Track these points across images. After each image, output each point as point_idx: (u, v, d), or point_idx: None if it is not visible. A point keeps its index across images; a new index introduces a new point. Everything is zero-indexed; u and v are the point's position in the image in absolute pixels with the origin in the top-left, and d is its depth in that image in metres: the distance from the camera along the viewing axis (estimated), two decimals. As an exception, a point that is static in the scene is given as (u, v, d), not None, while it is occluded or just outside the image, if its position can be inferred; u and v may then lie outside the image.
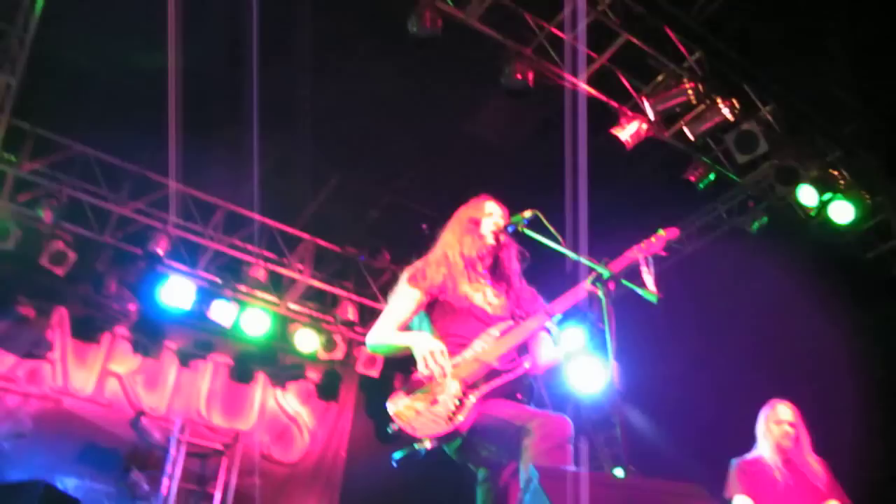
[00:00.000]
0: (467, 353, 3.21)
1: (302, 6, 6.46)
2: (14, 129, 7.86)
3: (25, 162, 8.18)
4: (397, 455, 3.03)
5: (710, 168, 7.52)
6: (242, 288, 9.00)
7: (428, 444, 2.96)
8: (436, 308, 3.41)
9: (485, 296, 3.43)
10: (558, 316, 3.26)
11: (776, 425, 4.56)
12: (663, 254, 3.23)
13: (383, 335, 3.35)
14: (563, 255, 3.23)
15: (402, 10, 6.11)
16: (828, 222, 7.88)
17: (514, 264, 3.56)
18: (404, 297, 3.40)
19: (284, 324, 9.44)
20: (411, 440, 2.99)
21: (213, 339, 9.47)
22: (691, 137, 7.12)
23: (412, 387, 3.16)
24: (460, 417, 2.99)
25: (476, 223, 3.55)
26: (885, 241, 8.24)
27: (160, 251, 8.36)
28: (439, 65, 6.77)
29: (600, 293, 3.00)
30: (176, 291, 8.66)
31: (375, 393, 10.23)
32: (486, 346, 3.22)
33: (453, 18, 6.08)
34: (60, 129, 8.23)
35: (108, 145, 8.35)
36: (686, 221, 8.74)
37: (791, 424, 4.56)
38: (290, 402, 9.92)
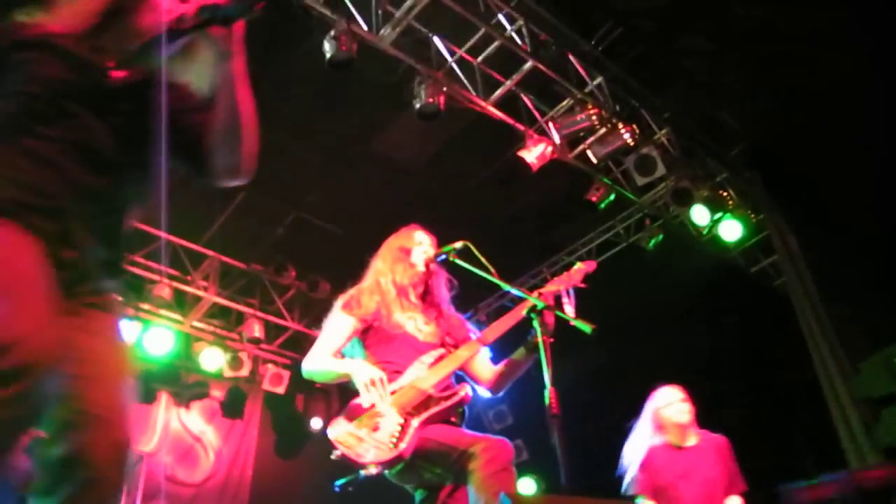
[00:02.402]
0: (403, 381, 3.29)
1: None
2: None
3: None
4: (340, 481, 3.09)
5: (611, 189, 7.85)
6: (145, 306, 8.79)
7: (373, 470, 3.03)
8: (369, 335, 3.48)
9: (416, 323, 3.52)
10: (489, 343, 3.39)
11: (668, 407, 4.75)
12: (583, 286, 3.41)
13: (320, 362, 3.40)
14: (493, 285, 3.35)
15: (315, 31, 6.17)
16: (717, 239, 8.39)
17: (443, 292, 3.67)
18: (339, 324, 3.46)
19: (188, 342, 9.26)
20: (352, 466, 3.06)
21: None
22: (594, 160, 7.44)
23: (352, 413, 3.22)
24: (403, 444, 3.07)
25: (407, 252, 3.66)
26: (768, 255, 8.84)
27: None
28: (350, 85, 6.84)
29: (535, 324, 3.14)
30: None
31: (281, 410, 10.15)
32: (420, 374, 3.31)
33: (367, 42, 6.16)
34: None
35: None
36: (587, 239, 9.11)
37: (682, 400, 4.76)
38: (194, 421, 9.73)
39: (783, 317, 7.95)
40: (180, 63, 2.02)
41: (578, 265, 3.54)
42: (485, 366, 3.53)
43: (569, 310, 3.28)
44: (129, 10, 2.00)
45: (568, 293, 3.35)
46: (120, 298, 1.98)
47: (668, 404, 4.79)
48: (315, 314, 9.31)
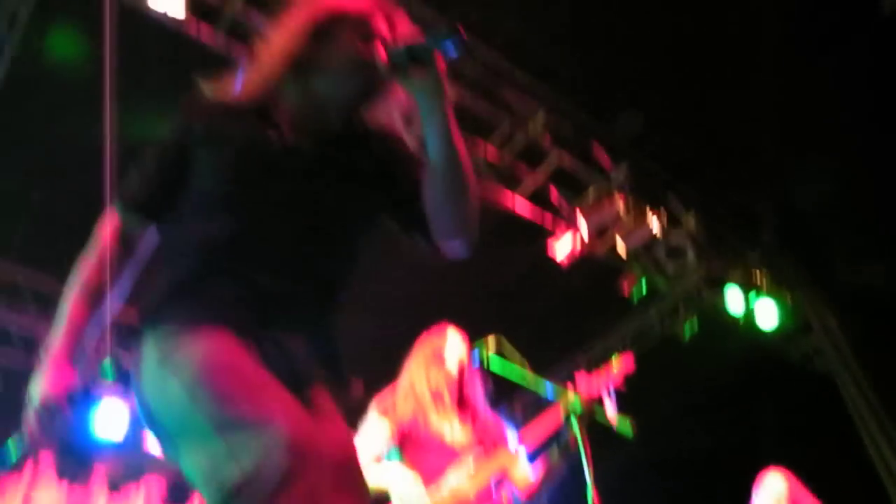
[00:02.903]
0: (443, 489, 3.22)
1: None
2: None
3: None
4: None
5: (642, 279, 7.80)
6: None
7: None
8: (406, 442, 3.42)
9: (453, 428, 3.47)
10: (528, 446, 3.32)
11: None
12: (621, 385, 3.35)
13: None
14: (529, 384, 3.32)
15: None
16: (755, 324, 8.25)
17: (478, 392, 3.62)
18: (376, 430, 3.42)
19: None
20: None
21: (145, 461, 9.12)
22: (623, 250, 7.41)
23: None
24: None
25: (439, 354, 3.63)
26: (808, 339, 8.65)
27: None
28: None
29: (574, 425, 3.08)
30: (108, 417, 8.37)
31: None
32: (460, 482, 3.24)
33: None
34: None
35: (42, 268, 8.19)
36: (620, 331, 9.00)
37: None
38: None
39: (830, 399, 7.74)
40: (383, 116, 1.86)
41: (616, 364, 3.49)
42: (523, 470, 3.45)
43: (608, 409, 3.22)
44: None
45: (608, 392, 3.29)
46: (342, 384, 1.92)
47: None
48: (351, 412, 9.20)
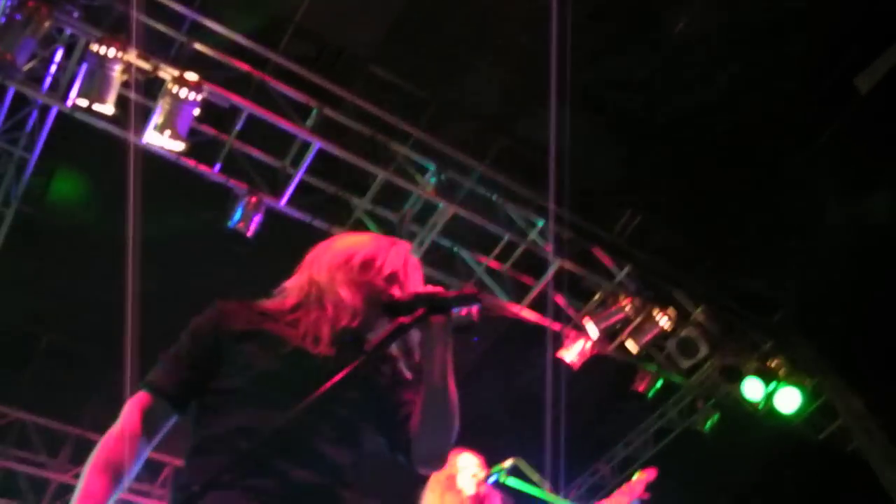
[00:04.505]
0: None
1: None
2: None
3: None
4: None
5: (657, 376, 7.73)
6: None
7: None
8: None
9: (477, 552, 3.40)
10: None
11: None
12: (646, 496, 3.29)
13: None
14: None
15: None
16: (775, 412, 8.11)
17: (499, 515, 3.57)
18: None
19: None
20: None
21: None
22: (634, 349, 7.37)
23: None
24: None
25: (452, 479, 3.58)
26: (832, 420, 8.47)
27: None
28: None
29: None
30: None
31: None
32: None
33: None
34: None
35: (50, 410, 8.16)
36: (640, 428, 8.86)
37: None
38: None
39: (863, 479, 7.53)
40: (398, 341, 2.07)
41: (639, 475, 3.43)
42: None
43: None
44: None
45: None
46: None
47: None
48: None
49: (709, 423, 8.50)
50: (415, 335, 2.05)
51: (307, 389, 1.77)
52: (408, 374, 2.11)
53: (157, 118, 5.86)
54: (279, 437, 1.79)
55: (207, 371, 2.01)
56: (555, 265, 6.91)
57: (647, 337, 7.30)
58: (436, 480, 3.64)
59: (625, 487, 3.42)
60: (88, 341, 7.58)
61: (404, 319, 1.92)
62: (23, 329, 7.54)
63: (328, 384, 1.74)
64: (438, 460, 2.08)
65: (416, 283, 2.16)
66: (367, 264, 2.13)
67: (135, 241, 4.78)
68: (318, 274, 2.12)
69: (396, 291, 2.09)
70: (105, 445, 1.93)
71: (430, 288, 2.00)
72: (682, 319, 7.57)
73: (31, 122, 6.49)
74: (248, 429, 1.86)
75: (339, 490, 1.94)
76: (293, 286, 2.15)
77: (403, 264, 2.16)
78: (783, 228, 7.58)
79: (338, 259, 2.14)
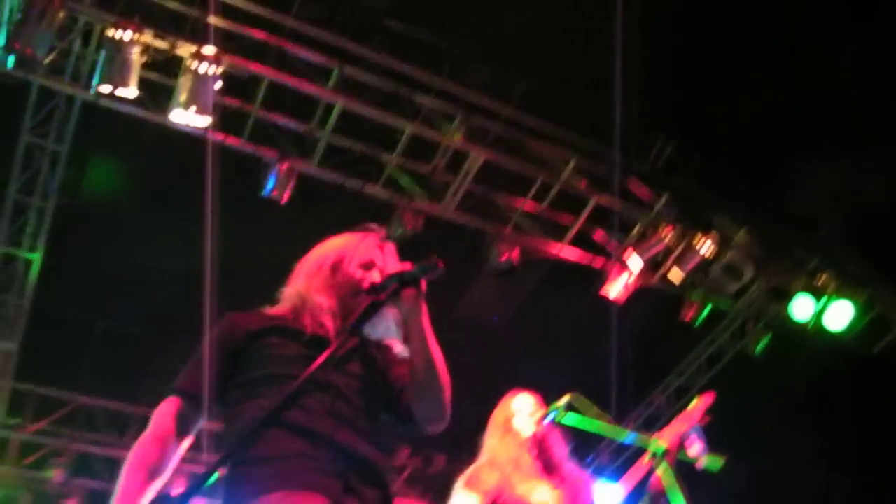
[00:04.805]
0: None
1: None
2: (16, 392, 7.91)
3: (28, 423, 8.14)
4: None
5: (704, 303, 7.68)
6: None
7: None
8: None
9: (540, 492, 3.43)
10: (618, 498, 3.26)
11: None
12: (705, 421, 3.28)
13: None
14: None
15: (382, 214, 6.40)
16: (826, 329, 8.02)
17: (560, 452, 3.58)
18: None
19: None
20: None
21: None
22: (679, 279, 7.32)
23: None
24: None
25: (509, 422, 3.61)
26: (885, 333, 8.36)
27: (174, 491, 8.18)
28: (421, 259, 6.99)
29: (661, 469, 3.03)
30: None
31: None
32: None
33: (431, 214, 6.35)
34: (62, 384, 8.26)
35: (112, 392, 8.37)
36: (691, 357, 8.84)
37: None
38: None
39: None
40: (380, 324, 2.30)
41: (696, 401, 3.41)
42: None
43: (695, 449, 3.15)
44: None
45: (695, 432, 3.23)
46: None
47: None
48: (436, 489, 9.17)
49: (760, 346, 8.44)
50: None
51: (331, 368, 2.05)
52: (396, 354, 2.33)
53: (180, 96, 5.88)
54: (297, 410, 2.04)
55: (230, 373, 2.22)
56: (591, 201, 6.86)
57: (691, 265, 7.23)
58: (494, 424, 3.67)
59: (683, 415, 3.40)
60: (140, 323, 7.74)
61: (378, 298, 2.12)
62: (77, 317, 7.71)
63: (320, 358, 1.94)
64: (440, 419, 2.24)
65: (392, 265, 2.33)
66: (336, 265, 2.36)
67: (213, 229, 4.88)
68: (299, 285, 2.37)
69: (375, 277, 2.29)
70: (139, 448, 2.12)
71: (399, 266, 2.22)
72: (724, 244, 7.48)
73: (58, 115, 6.56)
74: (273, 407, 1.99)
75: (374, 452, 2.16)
76: (286, 296, 2.38)
77: (376, 251, 2.37)
78: (822, 142, 7.42)
79: (312, 268, 2.39)
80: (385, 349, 2.34)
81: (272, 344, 2.20)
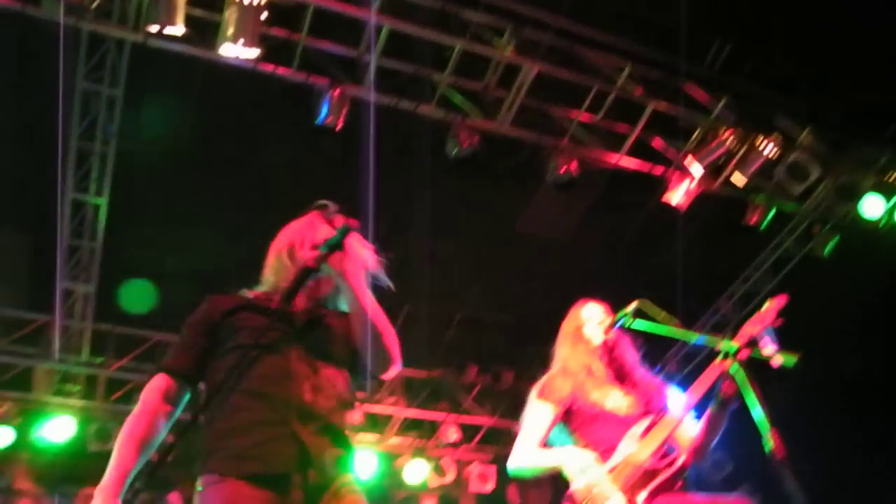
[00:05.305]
0: (617, 458, 3.20)
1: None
2: (96, 333, 8.21)
3: (112, 361, 8.46)
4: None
5: (768, 206, 7.52)
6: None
7: None
8: (571, 419, 3.42)
9: (613, 398, 3.45)
10: (691, 402, 3.26)
11: None
12: (778, 323, 3.23)
13: (527, 458, 3.36)
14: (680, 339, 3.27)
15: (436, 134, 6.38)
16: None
17: (631, 358, 3.59)
18: (538, 414, 3.43)
19: (390, 460, 9.44)
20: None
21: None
22: (741, 182, 7.16)
23: (571, 502, 3.15)
24: None
25: (579, 331, 3.62)
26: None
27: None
28: (480, 176, 6.98)
29: (734, 369, 3.02)
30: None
31: (494, 507, 10.08)
32: (633, 448, 3.22)
33: (487, 130, 6.29)
34: (139, 324, 8.53)
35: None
36: (758, 262, 8.71)
37: None
38: (413, 536, 9.81)
39: None
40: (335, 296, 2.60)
41: (769, 303, 3.36)
42: (687, 429, 3.38)
43: (769, 348, 3.12)
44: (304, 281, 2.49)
45: (767, 333, 3.19)
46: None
47: None
48: (505, 404, 9.32)
49: (828, 248, 8.25)
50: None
51: (293, 336, 2.39)
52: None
53: (227, 29, 5.87)
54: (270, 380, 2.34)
55: (208, 347, 2.47)
56: (648, 108, 6.71)
57: (754, 167, 7.07)
58: (564, 334, 3.68)
59: (756, 317, 3.34)
60: (208, 260, 7.91)
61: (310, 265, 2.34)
62: (146, 257, 7.91)
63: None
64: (389, 364, 2.49)
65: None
66: (292, 251, 2.60)
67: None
68: (270, 271, 2.64)
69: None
70: (130, 423, 2.38)
71: (324, 235, 2.44)
72: (788, 144, 7.27)
73: (110, 59, 6.61)
74: (257, 375, 2.35)
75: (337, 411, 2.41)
76: (263, 282, 2.65)
77: (323, 228, 2.57)
78: (887, 32, 7.10)
79: (273, 261, 2.65)
80: (346, 315, 2.53)
81: (242, 318, 2.44)
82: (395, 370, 2.52)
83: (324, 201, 2.69)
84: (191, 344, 2.50)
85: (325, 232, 2.51)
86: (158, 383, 2.46)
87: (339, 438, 2.38)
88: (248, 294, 2.60)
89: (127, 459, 2.30)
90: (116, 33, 6.18)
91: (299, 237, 2.61)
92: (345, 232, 2.37)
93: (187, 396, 2.47)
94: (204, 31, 6.10)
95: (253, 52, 5.93)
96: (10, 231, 7.66)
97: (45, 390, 8.32)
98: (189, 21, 5.83)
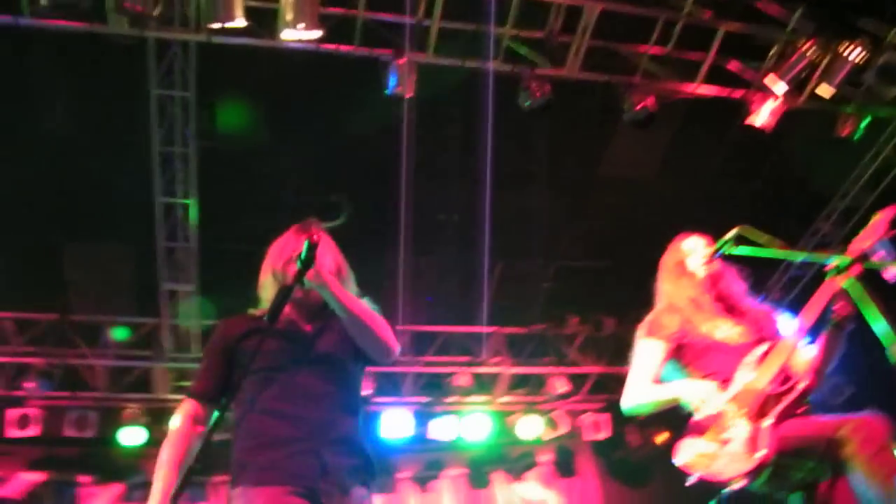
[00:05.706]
0: (735, 387, 3.15)
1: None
2: (204, 330, 8.47)
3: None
4: (711, 504, 3.01)
5: (861, 115, 7.18)
6: (451, 399, 9.18)
7: (738, 485, 2.92)
8: (683, 353, 3.38)
9: (724, 328, 3.38)
10: (808, 327, 3.16)
11: None
12: (891, 234, 3.09)
13: (642, 395, 3.34)
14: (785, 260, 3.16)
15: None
16: None
17: (737, 288, 3.51)
18: (649, 351, 3.39)
19: (502, 418, 9.53)
20: (711, 487, 2.95)
21: (442, 456, 9.64)
22: (828, 93, 6.84)
23: (695, 433, 3.12)
24: (762, 450, 2.92)
25: (682, 265, 3.55)
26: None
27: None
28: (556, 122, 6.90)
29: (849, 283, 2.92)
30: (394, 423, 8.96)
31: (611, 453, 10.08)
32: (750, 376, 3.15)
33: (557, 78, 6.19)
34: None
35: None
36: (855, 175, 8.34)
37: None
38: (533, 490, 9.89)
39: None
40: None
41: (877, 215, 3.21)
42: (802, 354, 3.28)
43: (884, 258, 3.00)
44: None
45: (883, 246, 3.05)
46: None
47: None
48: (611, 351, 9.27)
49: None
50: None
51: (301, 353, 2.72)
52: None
53: (286, 15, 5.92)
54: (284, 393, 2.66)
55: (229, 370, 2.78)
56: (720, 31, 6.47)
57: (840, 76, 6.73)
58: (666, 269, 3.62)
59: (865, 231, 3.19)
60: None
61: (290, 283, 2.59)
62: (241, 250, 8.10)
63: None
64: (385, 353, 2.81)
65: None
66: (275, 271, 2.82)
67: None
68: (263, 290, 2.87)
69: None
70: (167, 448, 2.71)
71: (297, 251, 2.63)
72: (875, 47, 6.90)
73: (178, 63, 6.74)
74: (273, 394, 2.67)
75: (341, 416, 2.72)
76: (262, 297, 2.88)
77: (297, 244, 2.71)
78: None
79: (265, 281, 2.87)
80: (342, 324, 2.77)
81: (255, 342, 2.61)
82: (395, 353, 2.83)
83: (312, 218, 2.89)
84: (211, 368, 2.84)
85: (298, 247, 2.67)
86: (187, 409, 2.80)
87: (355, 449, 2.69)
88: (256, 313, 2.85)
89: (168, 481, 2.63)
90: (181, 36, 6.29)
91: (279, 255, 2.85)
92: (310, 248, 2.55)
93: (216, 414, 2.66)
94: (263, 20, 6.16)
95: (315, 34, 5.96)
96: (115, 243, 7.99)
97: (164, 390, 8.68)
98: (248, 13, 5.89)
